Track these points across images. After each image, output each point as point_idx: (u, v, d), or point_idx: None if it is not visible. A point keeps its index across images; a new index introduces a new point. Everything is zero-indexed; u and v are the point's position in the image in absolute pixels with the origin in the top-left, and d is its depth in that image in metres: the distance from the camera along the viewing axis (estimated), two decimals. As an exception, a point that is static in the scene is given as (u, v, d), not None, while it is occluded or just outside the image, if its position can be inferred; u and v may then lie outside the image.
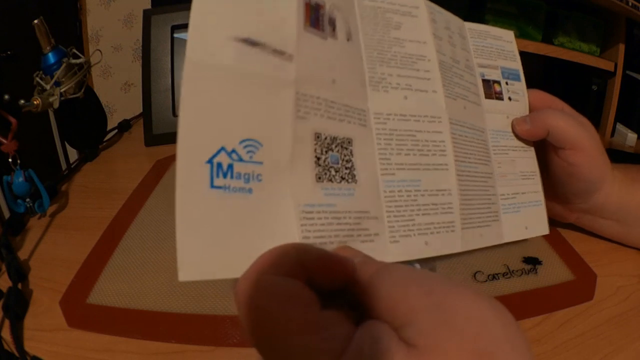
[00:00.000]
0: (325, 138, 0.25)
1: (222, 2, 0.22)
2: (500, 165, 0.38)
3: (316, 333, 0.16)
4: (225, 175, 0.20)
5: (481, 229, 0.34)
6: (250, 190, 0.20)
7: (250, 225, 0.20)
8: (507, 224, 0.37)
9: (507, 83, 0.40)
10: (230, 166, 0.20)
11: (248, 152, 0.21)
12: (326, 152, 0.24)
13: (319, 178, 0.24)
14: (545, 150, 0.39)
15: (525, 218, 0.38)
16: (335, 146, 0.25)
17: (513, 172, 0.38)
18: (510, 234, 0.37)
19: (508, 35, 0.42)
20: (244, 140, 0.21)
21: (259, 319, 0.17)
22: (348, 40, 0.29)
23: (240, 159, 0.20)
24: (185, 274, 0.19)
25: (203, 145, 0.20)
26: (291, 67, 0.23)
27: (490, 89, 0.39)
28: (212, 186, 0.19)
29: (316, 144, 0.24)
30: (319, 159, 0.24)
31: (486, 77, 0.39)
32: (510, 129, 0.39)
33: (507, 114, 0.39)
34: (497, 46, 0.41)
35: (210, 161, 0.20)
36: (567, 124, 0.36)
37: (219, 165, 0.20)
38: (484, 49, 0.40)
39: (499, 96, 0.39)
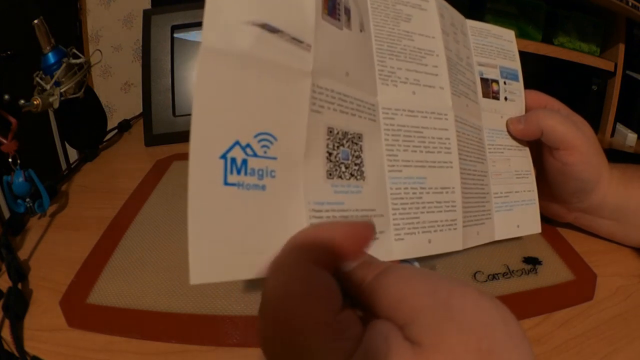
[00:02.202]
0: (337, 133, 0.24)
1: None
2: (495, 164, 0.38)
3: (335, 333, 0.16)
4: (239, 172, 0.19)
5: (477, 226, 0.34)
6: (263, 187, 0.19)
7: (262, 225, 0.19)
8: (500, 222, 0.37)
9: (505, 82, 0.40)
10: (244, 161, 0.19)
11: (263, 146, 0.20)
12: (338, 147, 0.24)
13: (330, 174, 0.23)
14: (540, 150, 0.40)
15: (518, 216, 0.38)
16: (347, 141, 0.25)
17: (508, 171, 0.38)
18: (502, 232, 0.37)
19: (509, 34, 0.42)
20: (259, 134, 0.20)
21: (289, 310, 0.17)
22: (361, 31, 0.28)
23: (255, 154, 0.19)
24: (197, 276, 0.17)
25: (217, 139, 0.18)
26: (309, 57, 0.22)
27: (488, 88, 0.39)
28: (226, 183, 0.18)
29: (329, 139, 0.23)
30: (330, 154, 0.23)
31: (485, 76, 0.39)
32: (505, 128, 0.39)
33: (502, 113, 0.40)
34: (497, 45, 0.41)
35: (224, 156, 0.18)
36: (560, 124, 0.36)
37: (233, 160, 0.19)
38: (484, 47, 0.40)
39: (495, 95, 0.39)
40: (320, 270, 0.18)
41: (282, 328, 0.17)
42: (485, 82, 0.39)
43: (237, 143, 0.19)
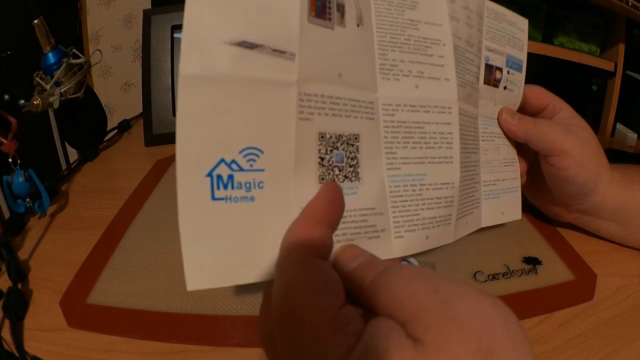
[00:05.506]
0: (330, 137, 0.24)
1: (217, 4, 0.20)
2: (486, 152, 0.37)
3: (336, 328, 0.17)
4: (225, 187, 0.20)
5: (467, 217, 0.34)
6: (252, 199, 0.20)
7: (254, 233, 0.20)
8: (487, 210, 0.37)
9: (508, 72, 0.39)
10: (230, 177, 0.20)
11: (248, 160, 0.20)
12: (331, 151, 0.24)
13: (322, 179, 0.23)
14: (536, 155, 0.40)
15: (503, 204, 0.38)
16: (341, 144, 0.24)
17: (497, 159, 0.38)
18: (488, 219, 0.37)
19: (523, 23, 0.41)
20: (244, 149, 0.20)
21: (294, 306, 0.17)
22: (358, 25, 0.26)
23: (241, 169, 0.20)
24: (193, 283, 0.19)
25: (202, 158, 0.19)
26: (293, 66, 0.21)
27: (491, 75, 0.38)
28: (214, 198, 0.20)
29: (320, 144, 0.23)
30: (322, 159, 0.23)
31: (490, 62, 0.38)
32: (497, 116, 0.39)
33: (497, 101, 0.39)
34: (509, 32, 0.39)
35: (210, 174, 0.19)
36: (551, 131, 0.37)
37: (219, 177, 0.20)
38: (496, 32, 0.38)
39: (496, 83, 0.38)
40: (324, 265, 0.19)
41: (287, 324, 0.17)
42: (490, 68, 0.38)
43: (222, 160, 0.20)
